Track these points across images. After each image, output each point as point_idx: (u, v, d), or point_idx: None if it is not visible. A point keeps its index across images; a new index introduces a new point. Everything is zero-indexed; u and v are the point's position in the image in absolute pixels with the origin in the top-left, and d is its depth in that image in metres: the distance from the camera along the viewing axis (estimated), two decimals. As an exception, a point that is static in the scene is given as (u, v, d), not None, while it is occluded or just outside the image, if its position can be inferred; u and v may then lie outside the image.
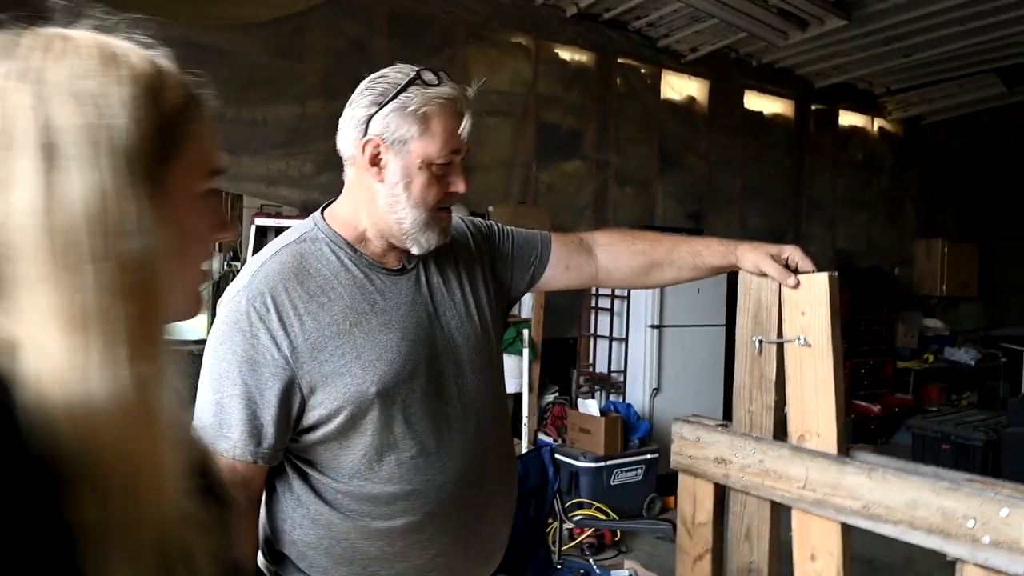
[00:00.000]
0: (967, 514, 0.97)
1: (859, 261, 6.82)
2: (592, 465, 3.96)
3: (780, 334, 1.23)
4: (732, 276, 1.29)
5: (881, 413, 5.99)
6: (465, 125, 1.11)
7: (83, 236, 0.44)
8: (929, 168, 7.53)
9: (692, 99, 5.86)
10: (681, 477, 1.37)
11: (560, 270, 1.29)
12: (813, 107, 6.58)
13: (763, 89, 6.21)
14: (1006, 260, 8.14)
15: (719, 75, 5.89)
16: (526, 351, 4.20)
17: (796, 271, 1.20)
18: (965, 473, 1.06)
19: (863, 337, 6.28)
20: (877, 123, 7.15)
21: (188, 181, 0.54)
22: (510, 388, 4.44)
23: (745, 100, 6.14)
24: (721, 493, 1.32)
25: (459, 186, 1.12)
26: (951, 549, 0.99)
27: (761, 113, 6.28)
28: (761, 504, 1.25)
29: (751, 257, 1.22)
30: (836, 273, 1.17)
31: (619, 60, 5.38)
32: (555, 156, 5.15)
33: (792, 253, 1.22)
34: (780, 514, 1.25)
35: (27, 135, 0.44)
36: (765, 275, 1.22)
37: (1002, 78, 6.08)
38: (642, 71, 5.55)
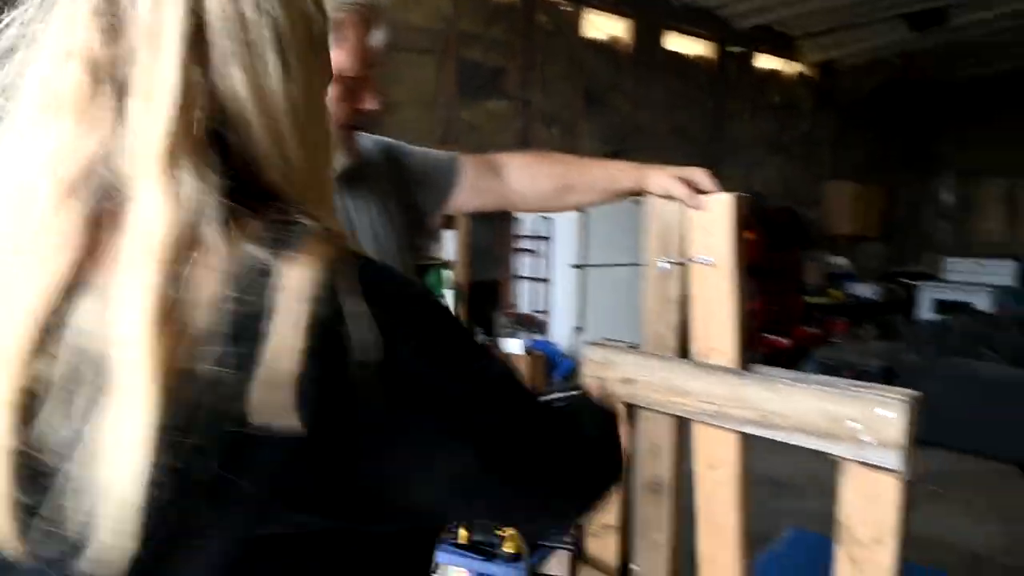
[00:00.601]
0: (851, 416, 1.03)
1: (775, 202, 7.06)
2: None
3: (685, 255, 1.25)
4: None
5: (791, 346, 6.31)
6: (380, 35, 1.05)
7: (305, 117, 0.50)
8: (842, 112, 7.79)
9: (615, 38, 5.83)
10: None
11: (471, 192, 1.26)
12: (732, 49, 6.66)
13: (683, 30, 6.23)
14: (909, 201, 8.61)
15: (641, 14, 5.87)
16: (449, 292, 4.19)
17: (702, 193, 1.22)
18: (852, 381, 1.12)
19: (775, 274, 6.55)
20: (794, 66, 7.31)
21: (324, 80, 0.57)
22: (435, 329, 4.44)
23: (667, 40, 6.15)
24: (629, 413, 1.36)
25: (372, 103, 1.07)
26: (837, 450, 1.05)
27: (683, 54, 6.32)
28: (665, 420, 1.29)
29: (658, 179, 1.23)
30: (742, 193, 1.19)
31: (542, -4, 5.28)
32: (477, 95, 5.06)
33: (699, 175, 1.23)
34: (684, 430, 1.29)
35: (262, 30, 0.47)
36: (672, 197, 1.24)
37: (909, 23, 6.29)
38: (566, 8, 5.47)
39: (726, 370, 1.18)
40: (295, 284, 0.42)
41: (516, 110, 5.26)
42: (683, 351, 1.29)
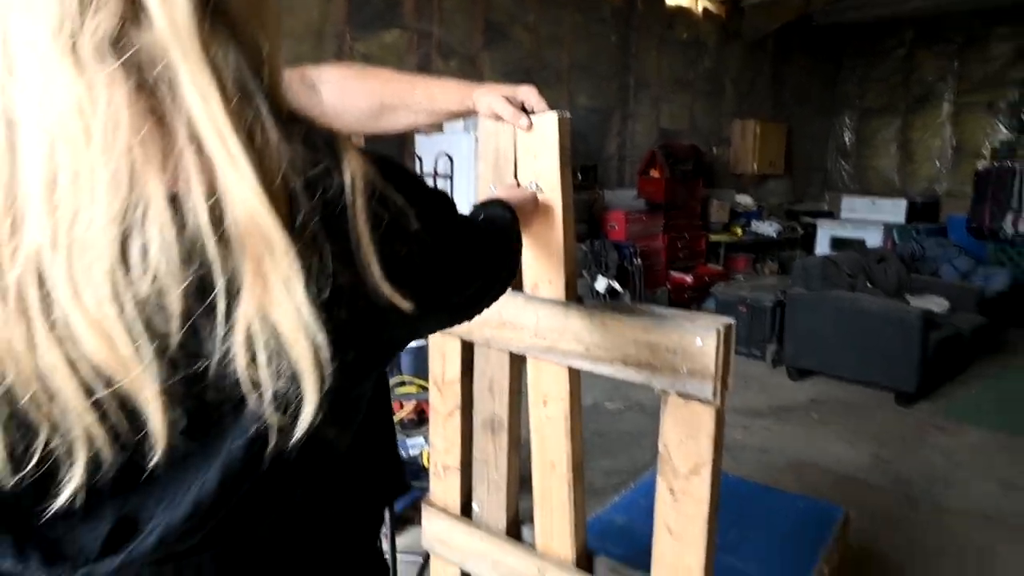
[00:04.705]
0: (669, 346, 0.99)
1: (682, 140, 7.10)
2: (413, 344, 3.95)
3: (517, 182, 1.17)
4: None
5: (695, 284, 6.45)
6: None
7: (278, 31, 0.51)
8: (747, 50, 7.84)
9: (518, -32, 5.61)
10: (431, 337, 1.33)
11: None
12: (640, -17, 6.54)
13: (590, -39, 6.06)
14: (809, 140, 8.84)
15: (546, -57, 5.66)
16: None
17: (532, 114, 1.14)
18: (681, 310, 1.08)
19: (680, 212, 6.63)
20: (701, 3, 7.26)
21: None
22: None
23: (573, -28, 5.97)
24: (469, 350, 1.30)
25: None
26: (657, 382, 1.02)
27: (589, -13, 6.16)
28: (501, 356, 1.24)
29: (485, 100, 1.14)
30: (567, 113, 1.12)
31: (438, -82, 4.99)
32: (372, 25, 4.79)
33: (527, 94, 1.14)
34: (520, 365, 1.24)
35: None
36: (501, 119, 1.15)
37: (811, -41, 6.31)
38: (465, -66, 5.20)
39: (554, 303, 1.12)
40: (358, 180, 0.47)
41: (413, 42, 5.01)
42: (519, 284, 1.22)
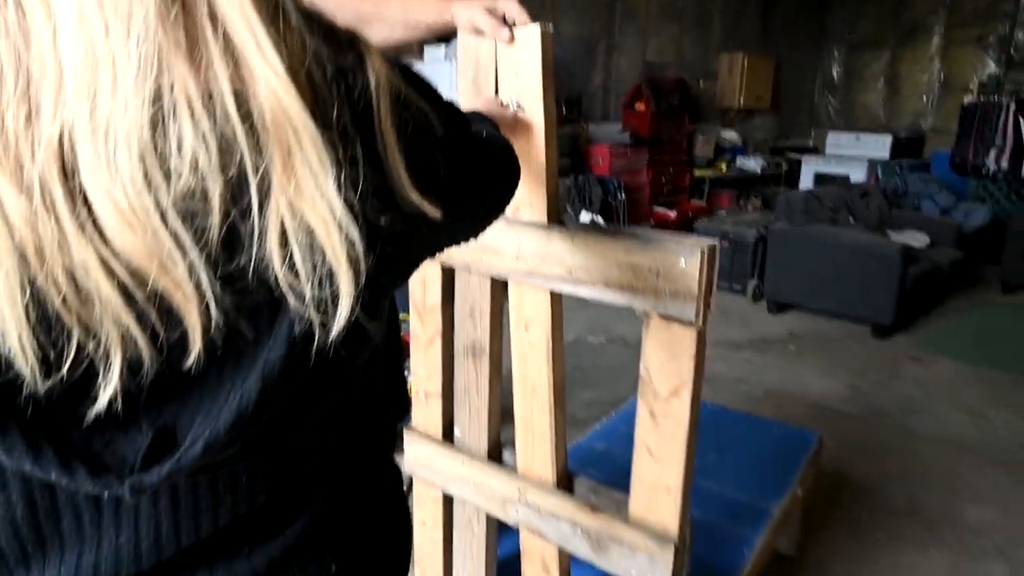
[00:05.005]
0: (652, 267, 0.98)
1: (668, 73, 6.96)
2: (395, 278, 3.93)
3: (500, 101, 1.13)
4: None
5: (678, 220, 6.43)
6: None
7: None
8: (737, -21, 7.62)
9: None
10: (411, 262, 1.31)
11: None
12: (628, -95, 6.28)
13: None
14: (797, 74, 8.70)
15: None
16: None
17: (513, 26, 1.09)
18: (667, 233, 1.06)
19: (665, 147, 6.56)
20: (691, -72, 7.01)
21: None
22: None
23: None
24: (450, 276, 1.28)
25: None
26: (638, 304, 1.01)
27: (575, -92, 5.91)
28: (482, 281, 1.22)
29: (465, 12, 1.08)
30: (551, 26, 1.07)
31: None
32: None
33: (508, 5, 1.09)
34: (501, 290, 1.23)
35: None
36: (481, 32, 1.09)
37: None
38: None
39: (536, 226, 1.10)
40: (382, 81, 0.46)
41: (392, -35, 4.81)
42: (499, 207, 1.19)
